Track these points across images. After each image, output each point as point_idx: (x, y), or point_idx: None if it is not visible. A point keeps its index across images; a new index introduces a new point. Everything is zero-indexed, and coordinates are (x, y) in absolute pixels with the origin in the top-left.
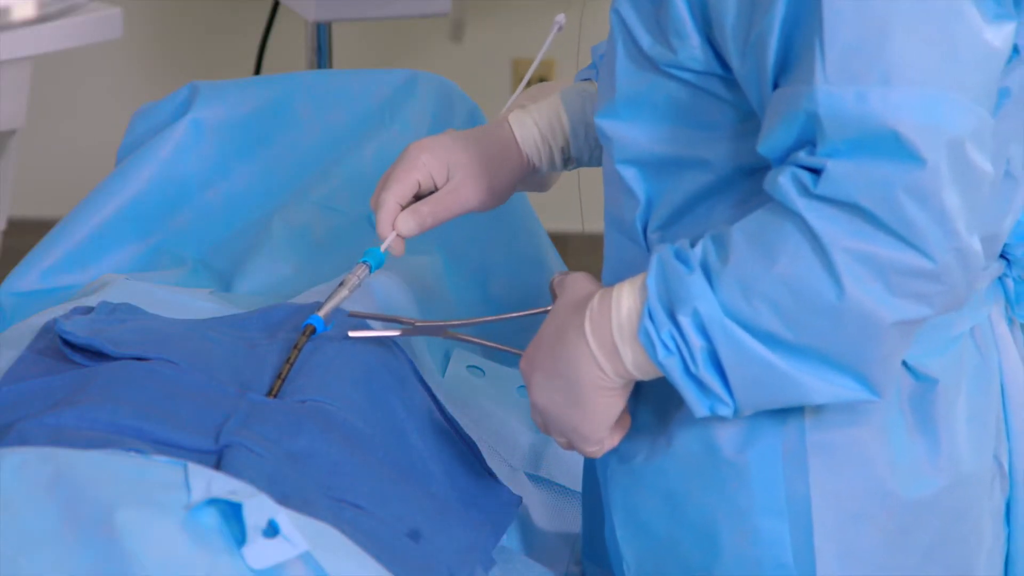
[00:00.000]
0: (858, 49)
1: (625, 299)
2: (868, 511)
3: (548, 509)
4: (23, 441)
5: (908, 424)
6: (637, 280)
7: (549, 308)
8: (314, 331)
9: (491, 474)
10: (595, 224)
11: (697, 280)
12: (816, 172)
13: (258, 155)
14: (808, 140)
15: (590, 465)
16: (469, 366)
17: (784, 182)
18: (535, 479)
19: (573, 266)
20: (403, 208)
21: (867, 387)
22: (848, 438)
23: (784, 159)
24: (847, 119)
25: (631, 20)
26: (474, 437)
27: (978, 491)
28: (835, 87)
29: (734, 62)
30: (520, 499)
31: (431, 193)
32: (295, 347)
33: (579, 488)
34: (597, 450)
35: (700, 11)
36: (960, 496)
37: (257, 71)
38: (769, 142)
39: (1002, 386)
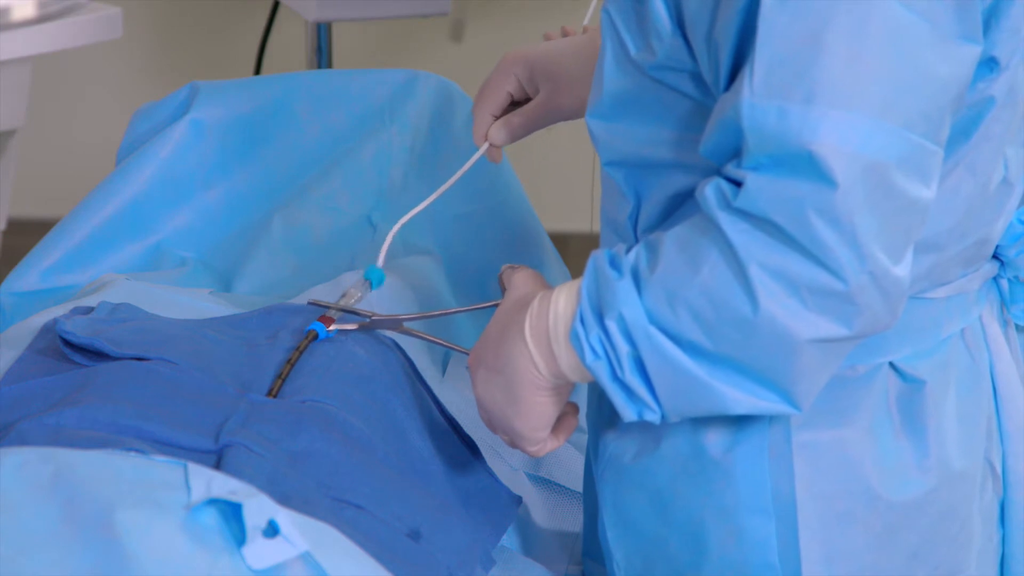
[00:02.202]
0: (786, 64)
1: (562, 302)
2: (854, 511)
3: (548, 509)
4: (23, 441)
5: (895, 425)
6: (575, 284)
7: (499, 303)
8: (316, 336)
9: (491, 474)
10: (595, 224)
11: (625, 286)
12: (738, 184)
13: (258, 155)
14: (738, 149)
15: (589, 462)
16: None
17: (708, 193)
18: (535, 479)
19: (573, 266)
20: (497, 118)
21: (787, 400)
22: (834, 438)
23: (722, 163)
24: (768, 134)
25: (619, 22)
26: (474, 437)
27: (967, 492)
28: (760, 100)
29: (699, 59)
30: (520, 499)
31: (527, 102)
32: (297, 349)
33: (579, 488)
34: (538, 450)
35: (675, 7)
36: (948, 497)
37: (257, 71)
38: (708, 145)
39: (994, 388)
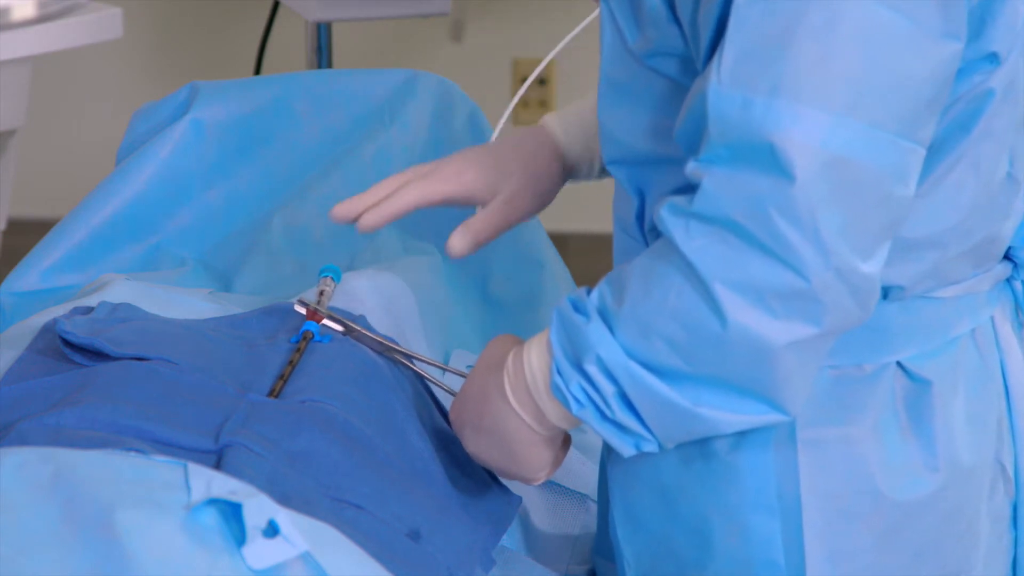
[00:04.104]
0: (755, 56)
1: (534, 358)
2: (858, 510)
3: (548, 509)
4: (23, 441)
5: (902, 424)
6: (543, 336)
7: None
8: (312, 336)
9: (491, 474)
10: (595, 224)
11: (596, 327)
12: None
13: (258, 155)
14: (701, 136)
15: (604, 461)
16: (469, 366)
17: (664, 213)
18: None
19: (573, 266)
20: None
21: (775, 408)
22: (839, 436)
23: (691, 150)
24: (730, 123)
25: (617, 13)
26: None
27: (974, 492)
28: (726, 89)
29: (690, 44)
30: (520, 499)
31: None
32: (297, 350)
33: (580, 488)
34: (538, 479)
35: None
36: (954, 497)
37: (257, 71)
38: (679, 129)
39: (1006, 389)
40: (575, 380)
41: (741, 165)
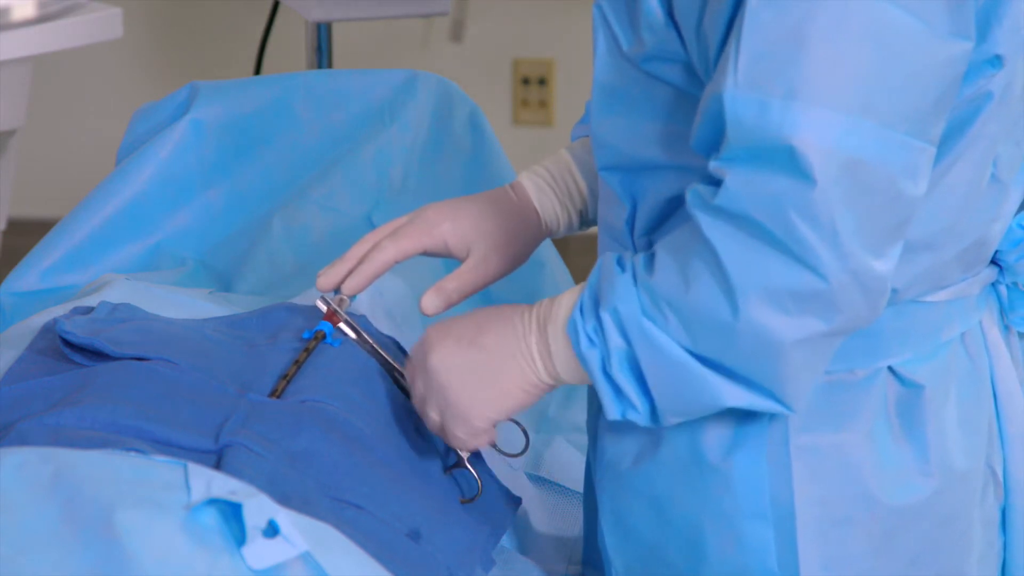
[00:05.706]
0: (769, 58)
1: (566, 298)
2: (853, 516)
3: (548, 509)
4: (23, 441)
5: (894, 430)
6: (581, 285)
7: None
8: (324, 336)
9: (491, 474)
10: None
11: (625, 281)
12: (719, 184)
13: (258, 155)
14: (719, 141)
15: (589, 471)
16: None
17: (690, 199)
18: (535, 479)
19: (573, 266)
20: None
21: (778, 401)
22: (833, 443)
23: (710, 154)
24: (748, 127)
25: (611, 16)
26: None
27: (968, 497)
28: (742, 92)
29: (690, 50)
30: (520, 500)
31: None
32: (305, 350)
33: (579, 489)
34: (474, 443)
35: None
36: (948, 502)
37: (257, 71)
38: (696, 136)
39: (995, 393)
40: (592, 322)
41: (761, 166)
